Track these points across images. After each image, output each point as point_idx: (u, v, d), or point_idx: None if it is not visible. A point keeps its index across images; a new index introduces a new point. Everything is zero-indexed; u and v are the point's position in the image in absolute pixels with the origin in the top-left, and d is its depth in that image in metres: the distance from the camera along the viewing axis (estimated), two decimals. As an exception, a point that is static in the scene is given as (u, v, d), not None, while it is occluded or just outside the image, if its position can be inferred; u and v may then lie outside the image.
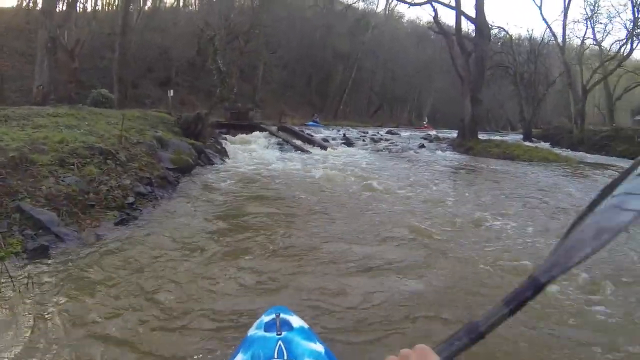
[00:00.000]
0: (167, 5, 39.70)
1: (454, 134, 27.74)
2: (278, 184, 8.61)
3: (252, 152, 14.04)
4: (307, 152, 15.68)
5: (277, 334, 1.49)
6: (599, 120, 37.42)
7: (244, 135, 16.90)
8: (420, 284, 3.83)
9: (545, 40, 32.85)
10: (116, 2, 33.67)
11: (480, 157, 17.90)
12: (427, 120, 49.04)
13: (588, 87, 27.14)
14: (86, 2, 33.99)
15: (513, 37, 32.82)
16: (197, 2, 41.44)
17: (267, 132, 17.82)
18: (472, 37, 23.64)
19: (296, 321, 1.67)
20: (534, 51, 32.50)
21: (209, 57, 26.69)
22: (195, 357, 2.62)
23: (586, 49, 31.33)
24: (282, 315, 1.65)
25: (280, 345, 1.42)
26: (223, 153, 12.66)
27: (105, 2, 36.73)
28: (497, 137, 26.60)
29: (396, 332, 3.00)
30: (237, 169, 10.50)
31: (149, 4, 35.44)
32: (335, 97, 42.77)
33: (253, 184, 8.53)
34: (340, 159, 13.83)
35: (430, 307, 3.39)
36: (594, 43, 31.62)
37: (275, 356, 1.38)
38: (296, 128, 19.80)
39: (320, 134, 21.46)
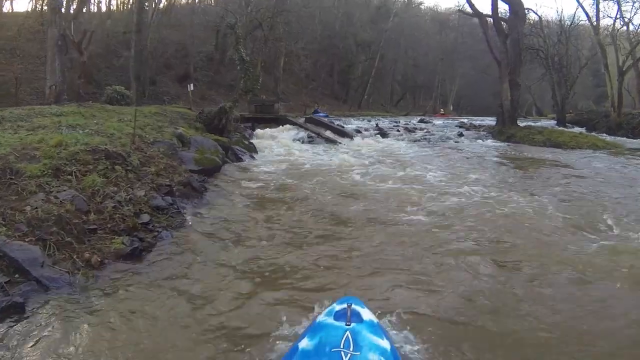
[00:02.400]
0: (183, 1, 38.62)
1: (486, 120, 26.51)
2: (321, 184, 7.14)
3: (282, 147, 12.72)
4: (340, 144, 14.34)
5: (347, 324, 1.54)
6: (628, 103, 34.94)
7: (271, 129, 15.55)
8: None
9: (576, 21, 31.17)
10: (131, 1, 32.74)
11: (525, 146, 16.84)
12: (451, 108, 47.22)
13: (624, 68, 24.96)
14: (100, 2, 33.11)
15: (542, 19, 31.04)
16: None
17: (296, 125, 16.42)
18: (507, 18, 22.05)
19: (367, 314, 1.70)
20: (564, 32, 30.68)
21: (229, 47, 25.61)
22: None
23: (619, 30, 28.93)
24: (353, 306, 1.67)
25: (348, 336, 1.46)
26: (251, 149, 11.30)
27: (120, 1, 35.86)
28: (531, 124, 24.86)
29: None
30: (270, 166, 9.15)
31: (164, 0, 34.35)
32: (359, 87, 41.34)
33: (292, 185, 7.11)
34: (382, 152, 12.39)
35: None
36: (622, 22, 29.30)
37: (342, 346, 1.43)
38: (325, 120, 18.36)
39: (350, 124, 19.99)
